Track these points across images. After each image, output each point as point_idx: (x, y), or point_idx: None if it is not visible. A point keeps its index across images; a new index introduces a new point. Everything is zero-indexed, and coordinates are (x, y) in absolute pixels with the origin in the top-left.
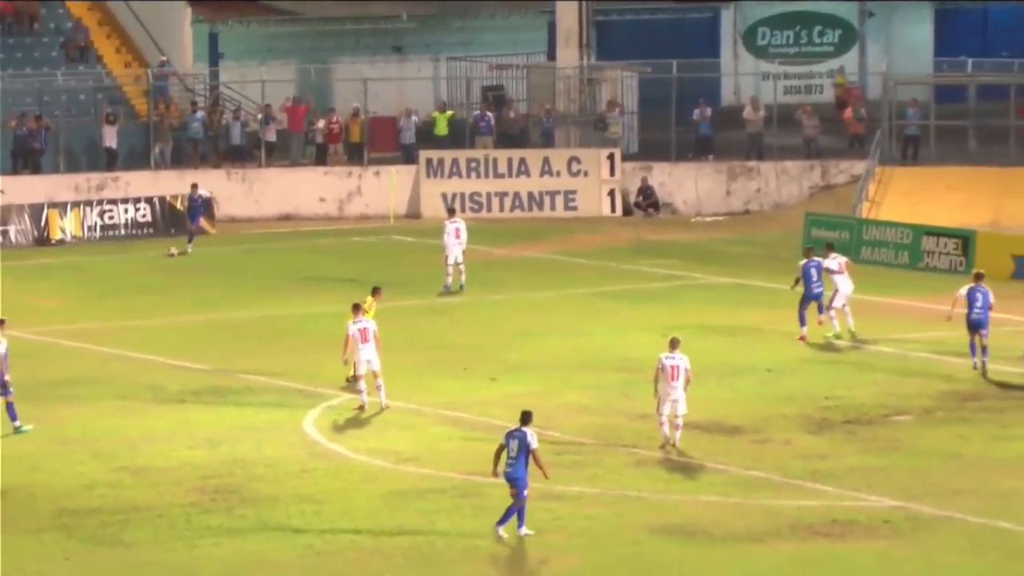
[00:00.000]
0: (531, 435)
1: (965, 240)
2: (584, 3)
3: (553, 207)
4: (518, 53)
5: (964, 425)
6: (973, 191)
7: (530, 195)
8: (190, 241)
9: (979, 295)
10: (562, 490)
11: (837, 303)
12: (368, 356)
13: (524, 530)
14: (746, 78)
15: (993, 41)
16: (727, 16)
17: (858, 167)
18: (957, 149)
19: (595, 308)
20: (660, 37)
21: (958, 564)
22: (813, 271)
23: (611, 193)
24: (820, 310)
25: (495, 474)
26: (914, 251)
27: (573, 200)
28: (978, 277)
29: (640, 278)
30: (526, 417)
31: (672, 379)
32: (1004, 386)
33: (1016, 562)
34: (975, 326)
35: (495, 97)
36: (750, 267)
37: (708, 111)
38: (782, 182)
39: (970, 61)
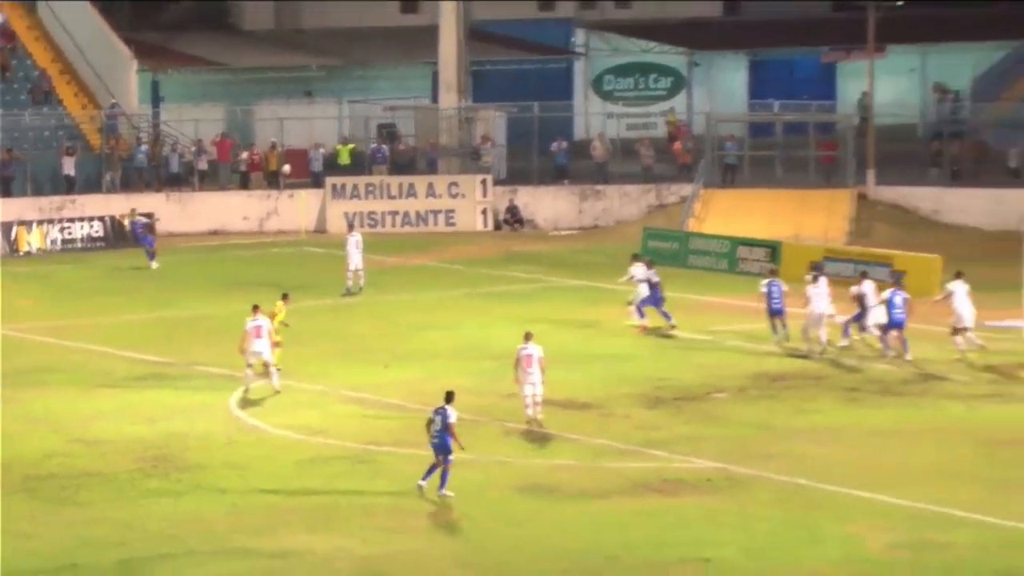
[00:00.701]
0: (451, 412)
1: (773, 249)
2: (461, 55)
3: (436, 223)
4: (407, 97)
5: (772, 401)
6: (779, 209)
7: (417, 213)
8: (151, 259)
9: (775, 288)
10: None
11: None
12: (259, 348)
13: (445, 491)
14: (595, 117)
15: (797, 87)
16: (579, 66)
17: (686, 189)
18: (766, 175)
19: (471, 307)
20: (524, 83)
21: (766, 514)
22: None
23: (484, 212)
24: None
25: (431, 442)
26: (731, 258)
27: (452, 218)
28: (772, 272)
29: (508, 282)
30: (449, 396)
31: (527, 366)
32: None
33: (813, 512)
34: (776, 313)
35: (388, 133)
36: (598, 272)
37: (564, 144)
38: (624, 202)
39: (777, 103)
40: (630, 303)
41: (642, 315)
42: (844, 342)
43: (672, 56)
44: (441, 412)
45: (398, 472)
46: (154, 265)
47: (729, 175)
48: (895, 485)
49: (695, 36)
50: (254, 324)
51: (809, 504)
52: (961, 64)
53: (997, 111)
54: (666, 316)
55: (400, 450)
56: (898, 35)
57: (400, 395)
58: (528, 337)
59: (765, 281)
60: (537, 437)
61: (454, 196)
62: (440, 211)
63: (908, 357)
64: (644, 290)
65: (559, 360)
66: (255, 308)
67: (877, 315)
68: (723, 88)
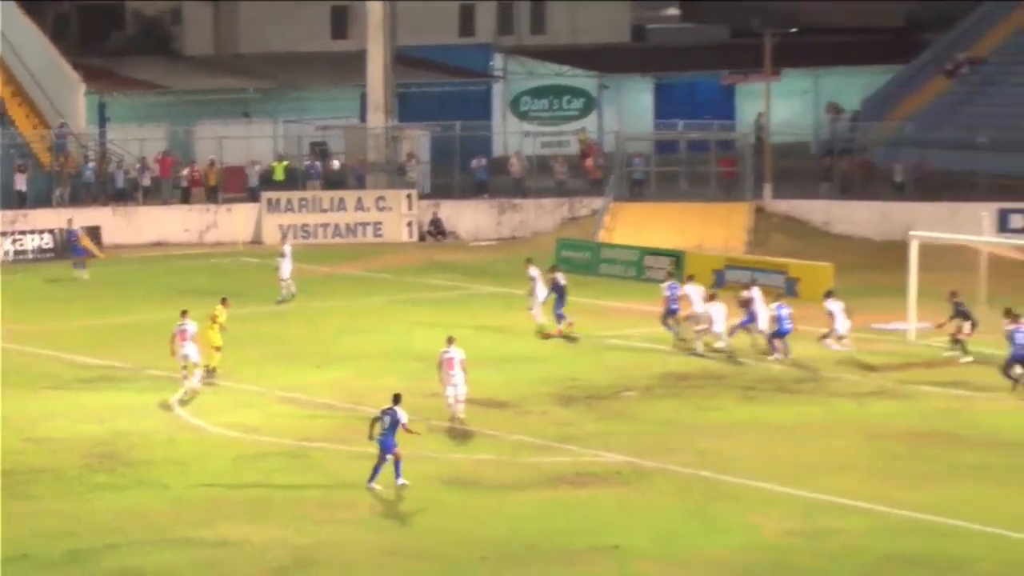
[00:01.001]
0: (400, 412)
1: (677, 258)
2: (388, 78)
3: (365, 235)
4: (338, 117)
5: (676, 399)
6: (683, 221)
7: (347, 225)
8: (80, 268)
9: (674, 290)
10: (373, 451)
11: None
12: (187, 352)
13: (401, 480)
14: (512, 135)
15: (699, 108)
16: (498, 88)
17: (597, 203)
18: (671, 189)
19: (396, 312)
20: (447, 104)
21: (671, 504)
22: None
23: (409, 224)
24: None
25: (371, 438)
26: (639, 267)
27: (380, 229)
28: (690, 278)
29: (431, 289)
30: (397, 399)
31: (449, 368)
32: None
33: (715, 502)
34: (672, 313)
35: (321, 151)
36: (515, 280)
37: (483, 161)
38: (540, 215)
39: (681, 122)
40: (531, 309)
41: (560, 318)
42: (722, 343)
43: (584, 79)
44: (390, 413)
45: (330, 467)
46: (83, 275)
47: (637, 189)
48: (790, 477)
49: (605, 60)
50: (180, 328)
51: (711, 494)
52: (850, 87)
53: (883, 130)
54: (560, 318)
55: (332, 446)
56: (792, 60)
57: (331, 395)
58: (451, 341)
59: (666, 283)
60: (459, 433)
61: (381, 209)
62: (368, 223)
63: (791, 357)
64: (540, 291)
65: (479, 362)
66: (183, 313)
67: (764, 320)
68: (631, 109)
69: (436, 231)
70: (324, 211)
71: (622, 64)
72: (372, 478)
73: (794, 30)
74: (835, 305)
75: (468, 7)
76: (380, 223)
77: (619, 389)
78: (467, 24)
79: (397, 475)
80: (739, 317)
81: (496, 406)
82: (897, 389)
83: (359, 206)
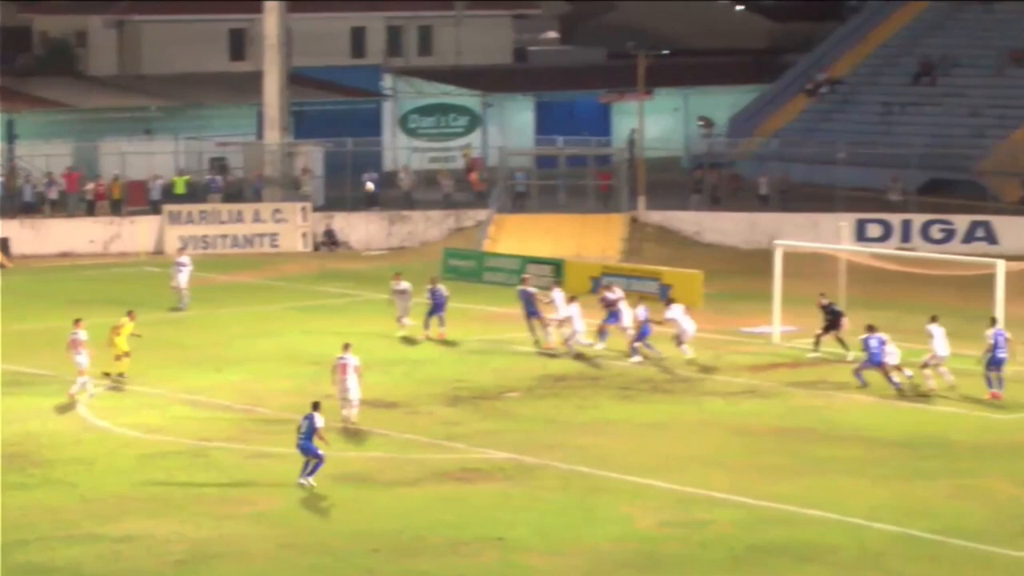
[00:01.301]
0: (318, 418)
1: (557, 267)
2: (284, 97)
3: (262, 245)
4: (236, 134)
5: (557, 399)
6: (563, 231)
7: (245, 236)
8: None
9: (529, 294)
10: (270, 450)
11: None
12: (79, 359)
13: (308, 480)
14: (401, 151)
15: (578, 125)
16: (387, 107)
17: (482, 214)
18: (551, 201)
19: (292, 318)
20: (339, 122)
21: (552, 498)
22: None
23: (304, 235)
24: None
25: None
26: (521, 274)
27: (276, 240)
28: (524, 280)
29: (325, 296)
30: (316, 405)
31: (343, 373)
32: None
33: (593, 495)
34: (532, 315)
35: (220, 166)
36: None
37: (374, 175)
38: (428, 226)
39: (561, 139)
40: (400, 318)
41: (427, 325)
42: (600, 345)
43: (469, 98)
44: (308, 418)
45: (228, 465)
46: None
47: (519, 202)
48: (664, 471)
49: (488, 80)
50: (73, 337)
51: (589, 489)
52: (718, 104)
53: (750, 145)
54: (428, 325)
55: (230, 445)
56: (664, 79)
57: (229, 396)
58: (346, 348)
59: (521, 288)
60: (351, 433)
61: (278, 221)
62: (265, 234)
63: (658, 356)
64: (406, 304)
65: (370, 365)
66: (76, 322)
67: (627, 318)
68: (513, 126)
69: (329, 241)
70: (223, 223)
71: (505, 84)
72: (310, 474)
73: (665, 52)
74: (676, 310)
75: (359, 30)
76: (276, 234)
77: (503, 390)
78: (358, 46)
79: (309, 473)
80: (619, 320)
81: (386, 407)
82: (763, 388)
83: (256, 218)
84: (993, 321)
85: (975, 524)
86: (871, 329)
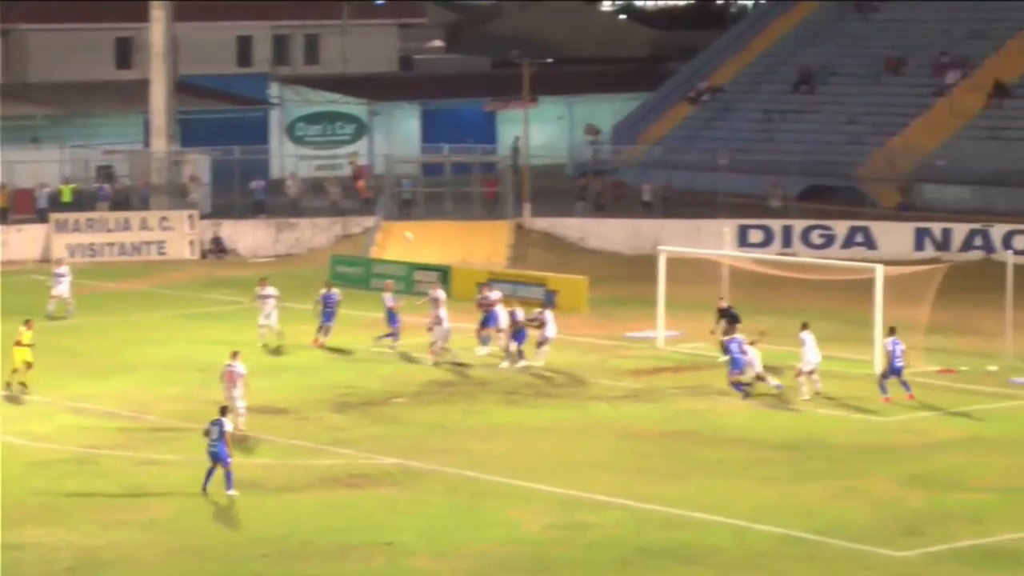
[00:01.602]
0: (227, 423)
1: (444, 273)
2: (170, 106)
3: (149, 253)
4: (123, 142)
5: (444, 404)
6: (449, 238)
7: (132, 244)
8: None
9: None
10: (156, 457)
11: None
12: None
13: (232, 491)
14: (288, 159)
15: (463, 132)
16: (274, 115)
17: (369, 221)
18: (437, 208)
19: (180, 325)
20: (226, 130)
21: (439, 502)
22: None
23: (191, 242)
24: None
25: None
26: (408, 281)
27: (164, 248)
28: (388, 287)
29: (212, 304)
30: (223, 410)
31: (230, 381)
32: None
33: (480, 499)
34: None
35: (107, 174)
36: (292, 294)
37: (262, 183)
38: (315, 233)
39: (447, 146)
40: (261, 326)
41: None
42: (483, 351)
43: (355, 106)
44: (218, 423)
45: (117, 472)
46: None
47: (406, 209)
48: (550, 475)
49: (374, 89)
50: None
51: (476, 493)
52: (601, 112)
53: (633, 153)
54: (328, 332)
55: (118, 453)
56: (548, 88)
57: (116, 404)
58: (235, 355)
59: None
60: (239, 439)
61: (165, 229)
62: (152, 242)
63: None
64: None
65: (257, 371)
66: None
67: (504, 320)
68: (399, 133)
69: (217, 249)
70: (110, 231)
71: (391, 92)
72: (228, 486)
73: (549, 60)
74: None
75: (245, 39)
76: (164, 242)
77: (390, 395)
78: (245, 55)
79: (228, 485)
80: (496, 322)
81: (274, 413)
82: (648, 392)
83: (143, 226)
84: (892, 331)
85: (857, 524)
86: (734, 331)
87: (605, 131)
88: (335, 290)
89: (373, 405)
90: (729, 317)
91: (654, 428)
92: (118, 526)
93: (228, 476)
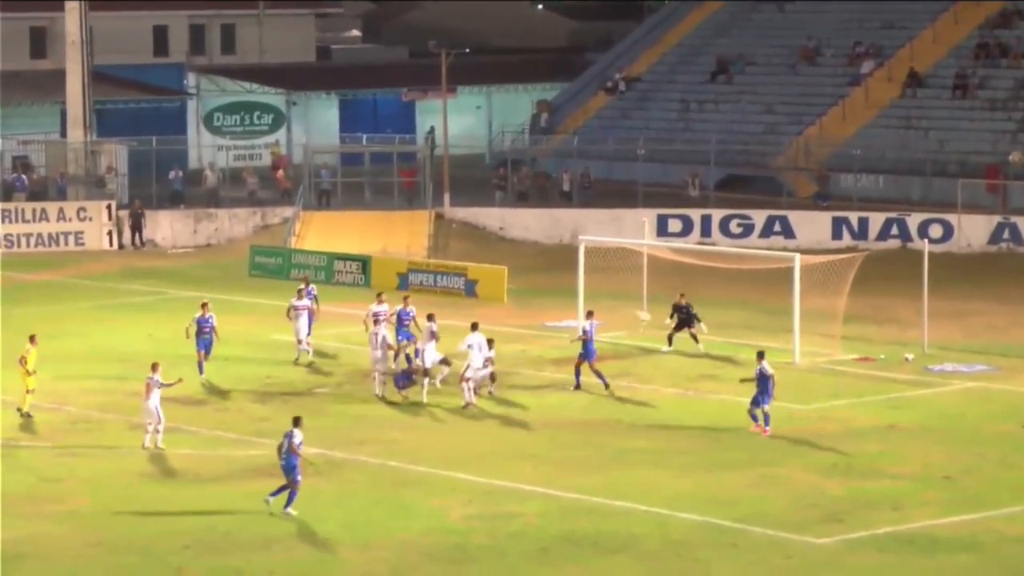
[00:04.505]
0: (297, 434)
1: (364, 263)
2: (86, 95)
3: (67, 244)
4: (39, 132)
5: (366, 394)
6: (368, 228)
7: (50, 235)
8: None
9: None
10: (77, 449)
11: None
12: None
13: (290, 511)
14: (206, 149)
15: (382, 123)
16: (192, 105)
17: (288, 212)
18: (357, 198)
19: (99, 317)
20: (144, 120)
21: (362, 492)
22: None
23: (109, 233)
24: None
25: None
26: (328, 271)
27: (82, 238)
28: (306, 281)
29: (131, 294)
30: (296, 421)
31: (148, 392)
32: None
33: (402, 489)
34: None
35: (23, 164)
36: (211, 285)
37: (180, 173)
38: (234, 223)
39: (365, 136)
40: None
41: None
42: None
43: (273, 96)
44: (288, 435)
45: (36, 464)
46: None
47: (325, 199)
48: (473, 465)
49: (292, 79)
50: None
51: (399, 482)
52: (520, 102)
53: (552, 143)
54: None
55: (37, 444)
56: (467, 78)
57: (36, 395)
58: (155, 368)
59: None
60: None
61: (82, 220)
62: (70, 233)
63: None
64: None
65: (180, 361)
66: None
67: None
68: (318, 123)
69: (135, 239)
70: (27, 222)
71: (309, 82)
72: (287, 504)
73: (467, 50)
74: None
75: (162, 28)
76: (81, 232)
77: (312, 386)
78: (161, 45)
79: (288, 503)
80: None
81: (195, 403)
82: (568, 382)
83: (60, 217)
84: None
85: (776, 512)
86: (590, 315)
87: (521, 121)
88: (312, 286)
89: (296, 395)
90: (684, 314)
91: (574, 417)
92: (37, 518)
93: (292, 495)
